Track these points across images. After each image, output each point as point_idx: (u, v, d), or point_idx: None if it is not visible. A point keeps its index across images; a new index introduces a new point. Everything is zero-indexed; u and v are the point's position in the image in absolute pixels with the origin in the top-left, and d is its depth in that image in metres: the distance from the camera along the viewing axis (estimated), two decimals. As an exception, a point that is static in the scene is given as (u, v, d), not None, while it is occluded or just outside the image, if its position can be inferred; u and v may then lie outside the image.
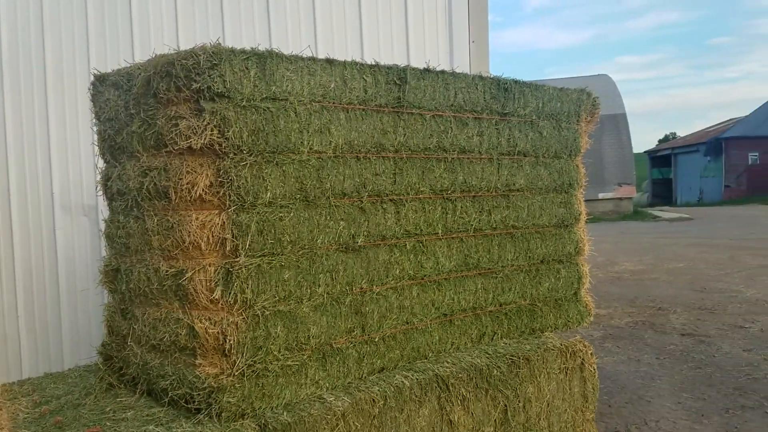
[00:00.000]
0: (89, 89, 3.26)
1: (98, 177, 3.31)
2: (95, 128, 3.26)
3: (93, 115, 3.26)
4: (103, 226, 3.31)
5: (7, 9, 5.10)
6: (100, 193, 3.30)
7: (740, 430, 4.94)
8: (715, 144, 36.39)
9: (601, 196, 28.45)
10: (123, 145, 3.06)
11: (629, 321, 8.65)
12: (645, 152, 47.74)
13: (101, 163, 3.31)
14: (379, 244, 3.34)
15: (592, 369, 3.85)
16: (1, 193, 5.22)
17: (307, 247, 3.02)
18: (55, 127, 5.20)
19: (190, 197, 2.78)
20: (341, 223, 3.15)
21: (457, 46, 5.44)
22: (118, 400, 3.07)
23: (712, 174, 36.56)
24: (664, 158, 43.76)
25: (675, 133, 75.58)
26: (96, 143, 3.28)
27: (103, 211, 3.42)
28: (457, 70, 3.83)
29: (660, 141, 66.12)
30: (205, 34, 5.28)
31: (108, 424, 2.76)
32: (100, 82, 3.19)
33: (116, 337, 3.26)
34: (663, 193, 41.84)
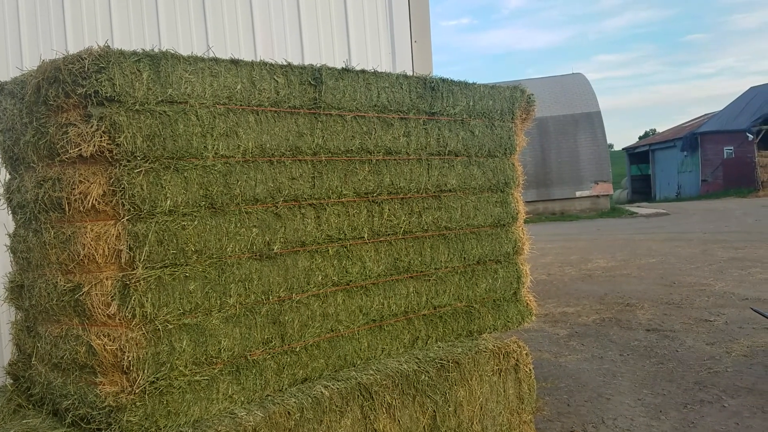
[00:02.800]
0: (-12, 99, 3.13)
1: (1, 190, 3.17)
2: (-5, 139, 3.13)
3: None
4: (8, 240, 3.18)
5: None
6: (4, 206, 3.16)
7: (697, 425, 4.88)
8: (691, 139, 36.72)
9: (578, 194, 28.59)
10: (20, 156, 2.93)
11: (596, 318, 8.60)
12: (623, 149, 48.09)
13: (5, 175, 3.18)
14: (299, 251, 3.23)
15: (527, 370, 3.76)
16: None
17: (215, 256, 2.90)
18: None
19: (84, 208, 2.65)
20: (254, 230, 3.03)
21: (399, 46, 5.36)
22: (24, 421, 2.93)
23: (689, 169, 36.87)
24: (642, 154, 44.09)
25: (655, 130, 76.33)
26: (-2, 155, 3.15)
27: (6, 226, 3.29)
28: (399, 71, 3.74)
29: (640, 138, 66.69)
30: (141, 40, 5.15)
31: (5, 448, 2.62)
32: (-1, 91, 3.06)
33: (23, 356, 3.13)
34: (642, 189, 42.13)
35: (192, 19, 5.23)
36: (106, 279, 2.66)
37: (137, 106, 2.65)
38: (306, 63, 3.31)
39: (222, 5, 5.25)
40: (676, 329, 7.62)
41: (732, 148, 35.28)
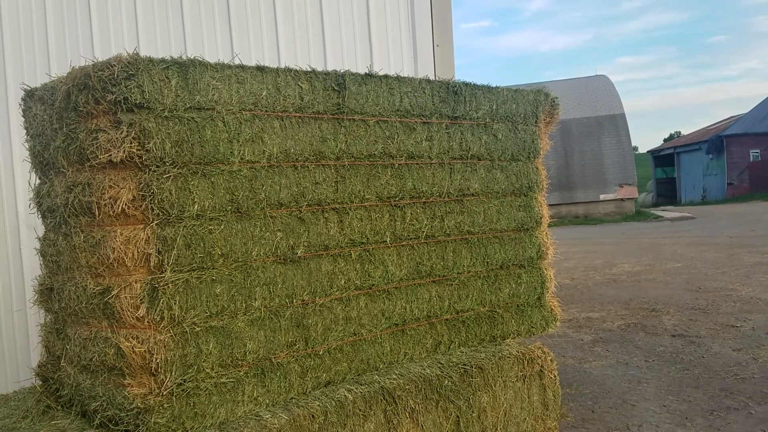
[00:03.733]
0: (20, 104, 3.21)
1: (31, 194, 3.24)
2: (26, 144, 3.20)
3: (24, 131, 3.20)
4: (38, 244, 3.25)
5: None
6: (34, 210, 3.23)
7: (723, 432, 4.81)
8: (717, 142, 36.11)
9: (602, 197, 28.25)
10: (50, 161, 3.00)
11: (621, 324, 8.50)
12: (648, 152, 47.48)
13: (35, 180, 3.25)
14: (322, 254, 3.25)
15: (552, 376, 3.73)
16: (-37, 214, 5.18)
17: (240, 259, 2.93)
18: (18, 145, 5.14)
19: (114, 212, 2.70)
20: (278, 234, 3.06)
21: (421, 50, 5.37)
22: (53, 422, 2.99)
23: (715, 172, 36.26)
24: (667, 157, 43.48)
25: (680, 132, 75.23)
26: (28, 159, 3.22)
27: (37, 229, 3.36)
28: (421, 75, 3.75)
29: (665, 140, 65.81)
30: (166, 43, 5.23)
31: (36, 448, 2.68)
32: (29, 97, 3.13)
33: (52, 358, 3.19)
34: (667, 193, 41.53)
35: (217, 25, 5.30)
36: (135, 282, 2.71)
37: (166, 113, 2.70)
38: (328, 68, 3.34)
39: (246, 11, 5.31)
40: (702, 335, 7.50)
41: (758, 150, 34.63)
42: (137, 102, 2.62)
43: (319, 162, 3.25)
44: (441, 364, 3.44)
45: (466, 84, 3.85)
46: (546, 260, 4.27)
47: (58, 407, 3.14)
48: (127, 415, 2.69)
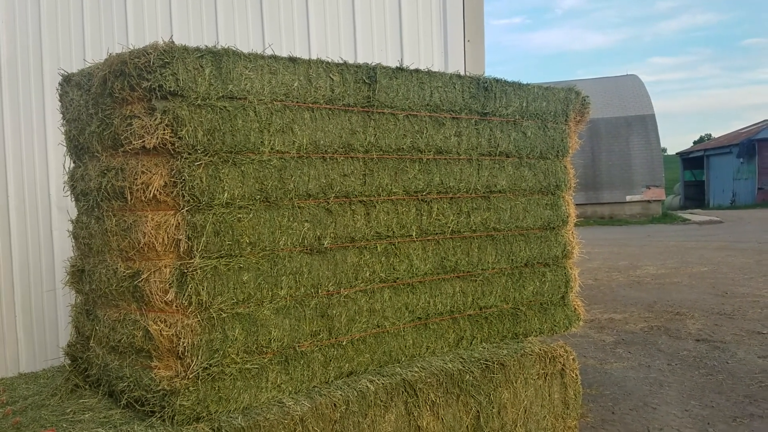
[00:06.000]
0: (57, 89, 3.27)
1: (65, 177, 3.31)
2: (62, 128, 3.27)
3: (60, 116, 3.27)
4: (71, 226, 3.32)
5: (5, 8, 5.18)
6: (68, 193, 3.30)
7: (745, 439, 4.75)
8: (748, 145, 35.37)
9: (628, 198, 27.89)
10: (85, 145, 3.06)
11: (644, 326, 8.41)
12: (677, 154, 46.70)
13: (69, 163, 3.32)
14: (348, 246, 3.27)
15: (574, 375, 3.71)
16: (-2, 194, 5.30)
17: (268, 248, 2.97)
18: (53, 129, 5.25)
19: (145, 197, 2.75)
20: (306, 224, 3.09)
21: (452, 45, 5.35)
22: (81, 401, 3.06)
23: (745, 176, 35.52)
24: (696, 160, 42.71)
25: (710, 135, 73.87)
26: (63, 143, 3.28)
27: (70, 212, 3.43)
28: (451, 70, 3.74)
29: (695, 142, 64.66)
30: (199, 32, 5.29)
31: (64, 425, 2.75)
32: (66, 82, 3.19)
33: (81, 338, 3.26)
34: (695, 196, 40.82)
35: (249, 15, 5.34)
36: (165, 267, 2.76)
37: (199, 101, 2.73)
38: (359, 61, 3.35)
39: (279, 6, 5.34)
40: (726, 340, 7.39)
41: (791, 156, 33.86)
42: (171, 90, 2.66)
43: (348, 154, 3.27)
44: (463, 359, 3.45)
45: (497, 80, 3.84)
46: (571, 259, 4.24)
47: (86, 386, 3.21)
48: (153, 397, 2.75)
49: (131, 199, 2.79)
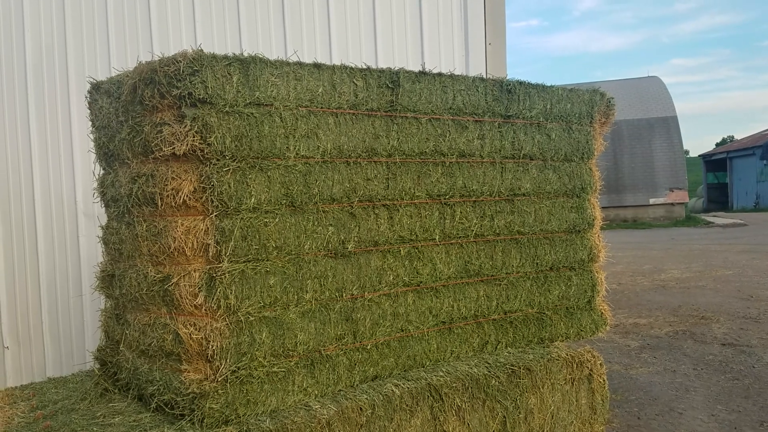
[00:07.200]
0: (86, 97, 3.34)
1: (95, 184, 3.37)
2: (92, 136, 3.33)
3: (89, 123, 3.33)
4: (100, 232, 3.37)
5: (32, 15, 5.28)
6: (98, 199, 3.36)
7: (774, 444, 4.68)
8: (771, 147, 34.82)
9: (652, 201, 27.57)
10: (115, 152, 3.11)
11: (669, 330, 8.32)
12: (699, 156, 46.07)
13: (99, 170, 3.38)
14: (371, 250, 3.28)
15: (601, 380, 3.68)
16: (26, 201, 5.40)
17: (293, 252, 2.99)
18: (79, 136, 5.34)
19: (175, 203, 2.79)
20: (330, 228, 3.11)
21: (473, 48, 5.35)
22: (110, 405, 3.10)
23: (769, 179, 34.96)
24: (719, 162, 42.09)
25: (733, 137, 72.81)
26: (93, 150, 3.34)
27: (100, 218, 3.48)
28: (473, 73, 3.75)
29: (717, 144, 63.75)
30: (222, 39, 5.34)
31: (95, 429, 2.79)
32: (95, 90, 3.25)
33: (111, 342, 3.31)
34: (718, 198, 40.21)
35: (271, 22, 5.39)
36: (194, 271, 2.79)
37: (227, 108, 2.77)
38: (379, 65, 3.36)
39: (300, 8, 5.38)
40: (753, 344, 7.28)
41: (816, 157, 33.24)
42: (200, 97, 2.70)
43: (371, 158, 3.28)
44: (488, 363, 3.44)
45: (520, 83, 3.83)
46: (597, 263, 4.21)
47: (116, 390, 3.25)
48: (183, 400, 2.78)
49: (161, 205, 2.83)
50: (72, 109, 5.33)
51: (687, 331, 8.15)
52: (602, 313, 4.25)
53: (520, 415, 3.37)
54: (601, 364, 3.77)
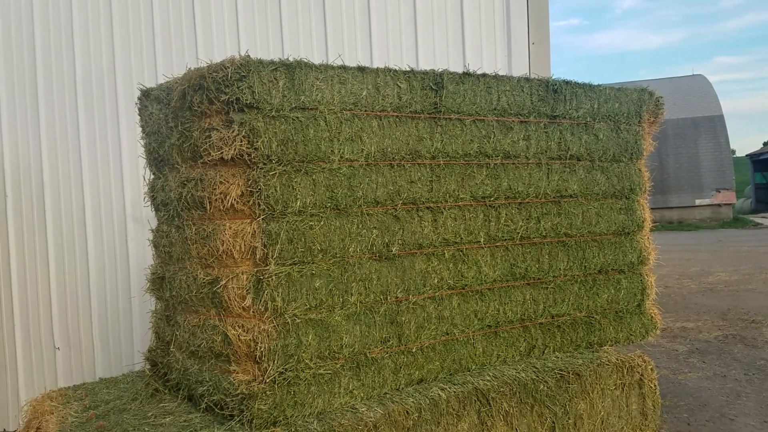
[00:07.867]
0: (136, 104, 3.41)
1: (145, 189, 3.44)
2: (142, 141, 3.40)
3: (138, 129, 3.41)
4: (150, 236, 3.44)
5: (80, 25, 5.44)
6: (148, 203, 3.43)
7: (829, 452, 4.49)
8: (825, 145, 33.47)
9: (698, 202, 26.83)
10: (165, 157, 3.17)
11: (718, 335, 8.08)
12: (746, 156, 44.63)
13: (149, 175, 3.45)
14: (416, 253, 3.27)
15: (652, 385, 3.58)
16: (76, 207, 5.56)
17: (338, 255, 3.00)
18: (127, 142, 5.47)
19: (224, 207, 2.83)
20: (374, 231, 3.11)
21: (516, 48, 5.28)
22: (161, 405, 3.16)
23: (820, 177, 33.63)
24: (767, 162, 40.70)
25: (783, 134, 70.27)
26: (143, 156, 3.41)
27: (150, 222, 3.56)
28: (516, 73, 3.70)
29: (765, 143, 61.66)
30: (265, 44, 5.40)
31: (146, 429, 2.84)
32: (146, 96, 3.33)
33: (161, 343, 3.37)
34: (766, 199, 38.89)
35: (312, 26, 5.42)
36: (242, 273, 2.83)
37: (273, 113, 2.80)
38: (420, 66, 3.34)
39: (341, 12, 5.40)
40: (806, 349, 7.03)
41: None
42: (248, 102, 2.73)
43: (415, 161, 3.27)
44: (536, 368, 3.38)
45: (567, 82, 3.76)
46: (647, 266, 4.11)
47: (166, 391, 3.31)
48: (232, 401, 2.81)
49: (210, 209, 2.87)
50: (120, 116, 5.46)
51: (737, 335, 7.90)
52: (652, 316, 4.14)
53: (570, 421, 3.31)
54: (652, 369, 3.67)
